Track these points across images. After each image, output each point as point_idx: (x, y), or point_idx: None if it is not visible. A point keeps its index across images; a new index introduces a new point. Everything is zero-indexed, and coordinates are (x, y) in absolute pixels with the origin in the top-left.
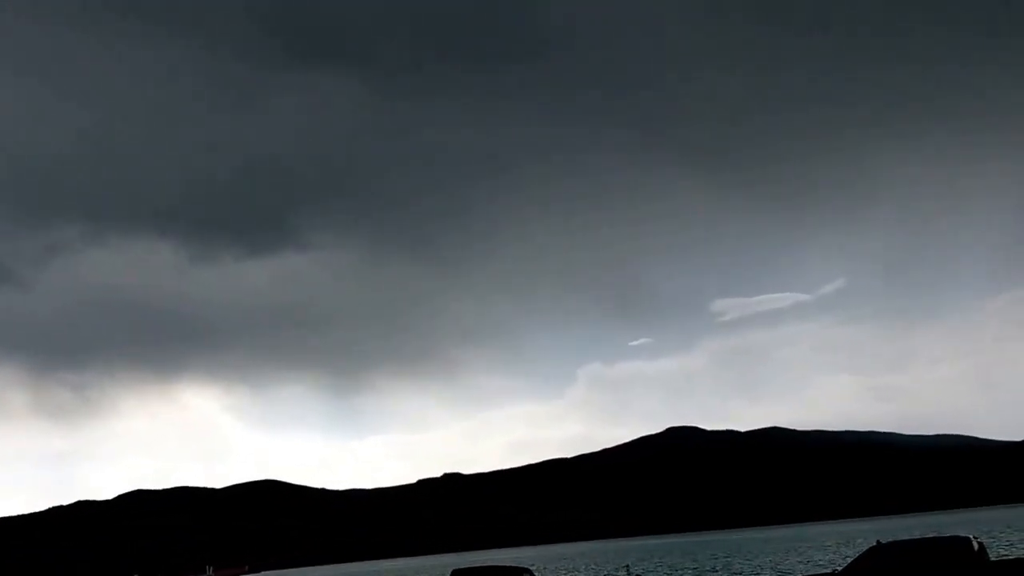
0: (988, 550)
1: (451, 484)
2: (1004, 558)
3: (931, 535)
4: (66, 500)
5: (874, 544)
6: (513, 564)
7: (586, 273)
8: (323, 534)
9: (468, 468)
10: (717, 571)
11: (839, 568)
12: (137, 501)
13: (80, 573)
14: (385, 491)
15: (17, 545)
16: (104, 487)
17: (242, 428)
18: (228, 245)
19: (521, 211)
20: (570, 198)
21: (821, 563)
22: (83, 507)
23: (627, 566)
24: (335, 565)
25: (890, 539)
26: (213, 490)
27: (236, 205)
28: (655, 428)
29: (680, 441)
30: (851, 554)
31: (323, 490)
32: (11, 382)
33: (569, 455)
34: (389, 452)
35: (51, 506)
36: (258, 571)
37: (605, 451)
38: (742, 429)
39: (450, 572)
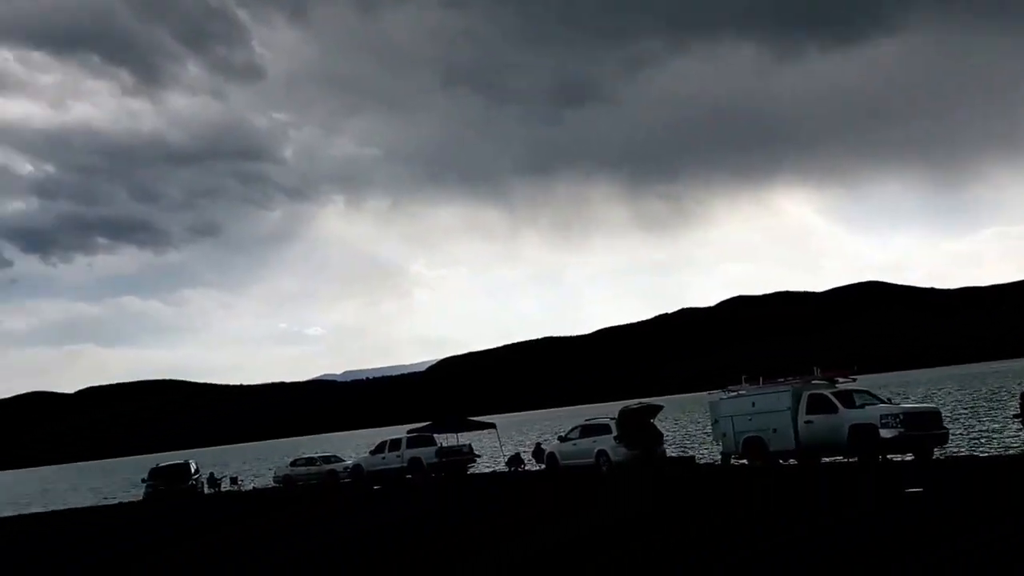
0: None
1: None
2: None
3: None
4: (670, 308)
5: None
6: None
7: None
8: (931, 335)
9: None
10: None
11: None
12: (738, 306)
13: (686, 377)
14: (1003, 288)
15: (628, 352)
16: (705, 294)
17: (837, 230)
18: (812, 37)
19: None
20: None
21: None
22: (687, 314)
23: None
24: (943, 367)
25: None
26: (813, 294)
27: None
28: None
29: None
30: None
31: (930, 290)
32: (611, 197)
33: None
34: (1005, 246)
35: (657, 314)
36: (864, 374)
37: None
38: None
39: None
